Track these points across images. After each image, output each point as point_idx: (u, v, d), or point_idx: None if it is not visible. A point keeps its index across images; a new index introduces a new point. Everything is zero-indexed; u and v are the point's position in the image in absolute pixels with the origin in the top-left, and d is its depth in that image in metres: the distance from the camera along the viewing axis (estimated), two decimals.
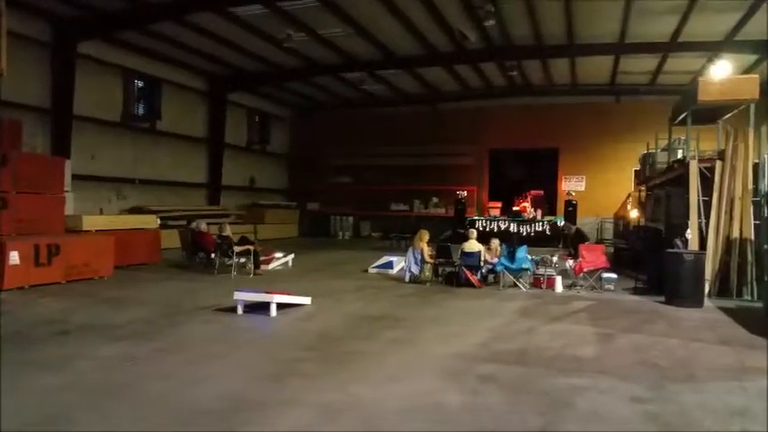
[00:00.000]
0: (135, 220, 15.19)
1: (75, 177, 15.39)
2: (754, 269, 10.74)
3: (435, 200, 25.81)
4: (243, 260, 12.74)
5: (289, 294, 8.77)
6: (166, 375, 5.38)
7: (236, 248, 12.43)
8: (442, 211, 25.26)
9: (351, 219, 26.53)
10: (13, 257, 9.94)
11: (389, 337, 7.13)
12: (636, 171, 21.53)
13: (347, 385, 5.20)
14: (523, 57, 19.57)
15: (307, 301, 9.03)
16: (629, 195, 22.90)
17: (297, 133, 28.46)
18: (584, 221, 23.12)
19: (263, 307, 8.25)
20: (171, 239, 15.69)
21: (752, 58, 17.49)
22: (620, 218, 23.34)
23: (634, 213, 21.04)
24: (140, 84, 19.64)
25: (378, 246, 20.11)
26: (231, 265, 12.47)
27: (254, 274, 12.53)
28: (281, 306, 8.39)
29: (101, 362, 5.80)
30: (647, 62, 19.76)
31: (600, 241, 21.38)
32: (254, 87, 23.75)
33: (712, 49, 17.20)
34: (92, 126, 17.07)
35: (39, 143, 15.11)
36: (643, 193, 19.56)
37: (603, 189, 23.62)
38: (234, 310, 8.33)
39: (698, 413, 4.64)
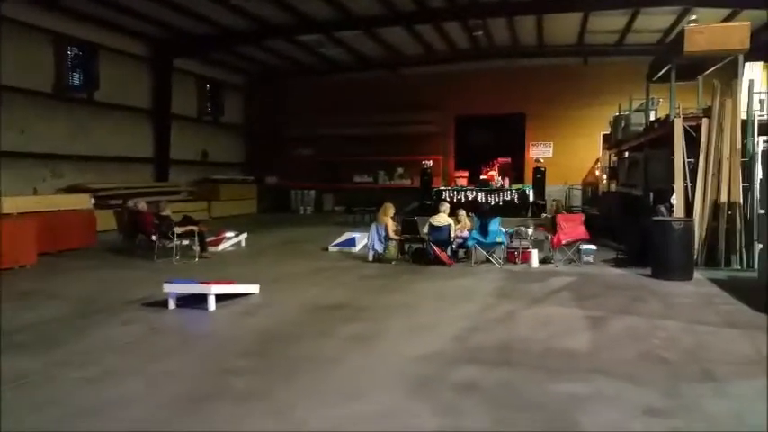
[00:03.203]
0: (65, 201, 13.62)
1: (2, 155, 13.89)
2: (743, 236, 9.96)
3: (400, 170, 24.65)
4: (187, 242, 11.42)
5: (231, 283, 7.55)
6: (52, 402, 4.16)
7: (177, 230, 11.09)
8: (407, 182, 24.15)
9: (312, 193, 25.16)
10: None
11: (348, 334, 6.01)
12: (605, 135, 20.82)
13: (291, 408, 4.07)
14: (489, 14, 18.35)
15: (254, 289, 7.84)
16: (597, 161, 22.26)
17: (252, 103, 26.70)
18: (553, 189, 22.45)
19: (202, 299, 7.04)
20: (112, 221, 14.27)
21: (724, 12, 16.61)
22: (588, 184, 22.73)
23: (604, 179, 20.40)
24: (75, 51, 17.82)
25: (340, 221, 18.93)
26: (173, 249, 11.15)
27: (200, 258, 11.25)
28: (223, 297, 7.21)
29: None
30: (616, 20, 18.78)
31: (569, 209, 20.69)
32: (202, 53, 21.95)
33: (684, 3, 16.24)
34: (20, 98, 15.25)
35: None
36: (613, 158, 18.86)
37: (571, 155, 22.89)
38: (166, 303, 7.09)
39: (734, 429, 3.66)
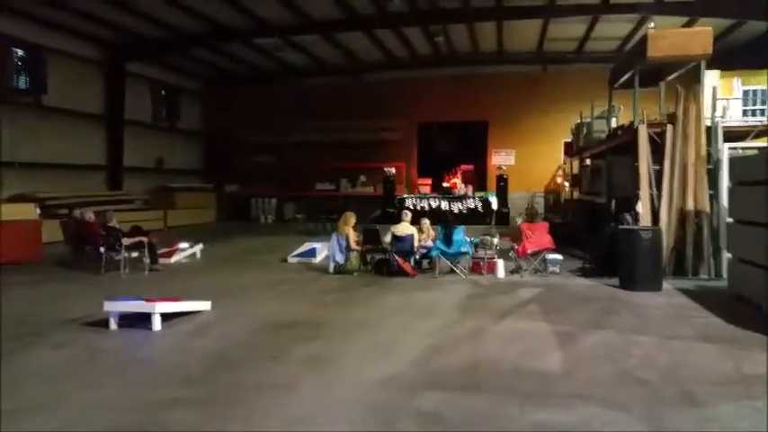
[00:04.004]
0: (8, 211, 12.74)
1: None
2: (710, 244, 9.85)
3: (363, 178, 24.26)
4: (136, 254, 10.76)
5: (179, 300, 6.98)
6: None
7: (126, 241, 10.42)
8: (370, 189, 23.76)
9: (273, 201, 24.50)
10: None
11: (303, 355, 5.54)
12: (566, 143, 20.80)
13: None
14: (449, 20, 18.16)
15: (204, 306, 7.29)
16: (558, 168, 22.25)
17: (211, 108, 26.05)
18: (516, 196, 22.31)
19: (147, 317, 6.46)
20: (59, 232, 13.50)
21: (682, 20, 16.77)
22: (550, 192, 22.68)
23: (566, 186, 20.34)
24: (20, 53, 16.95)
25: (301, 230, 18.41)
26: (121, 262, 10.47)
27: (151, 271, 10.60)
28: (170, 315, 6.66)
29: None
30: (576, 28, 18.84)
31: (531, 218, 20.53)
32: (156, 56, 21.24)
33: (644, 10, 16.31)
34: None
35: None
36: (575, 165, 18.81)
37: (533, 162, 22.88)
38: (108, 323, 6.49)
39: None
